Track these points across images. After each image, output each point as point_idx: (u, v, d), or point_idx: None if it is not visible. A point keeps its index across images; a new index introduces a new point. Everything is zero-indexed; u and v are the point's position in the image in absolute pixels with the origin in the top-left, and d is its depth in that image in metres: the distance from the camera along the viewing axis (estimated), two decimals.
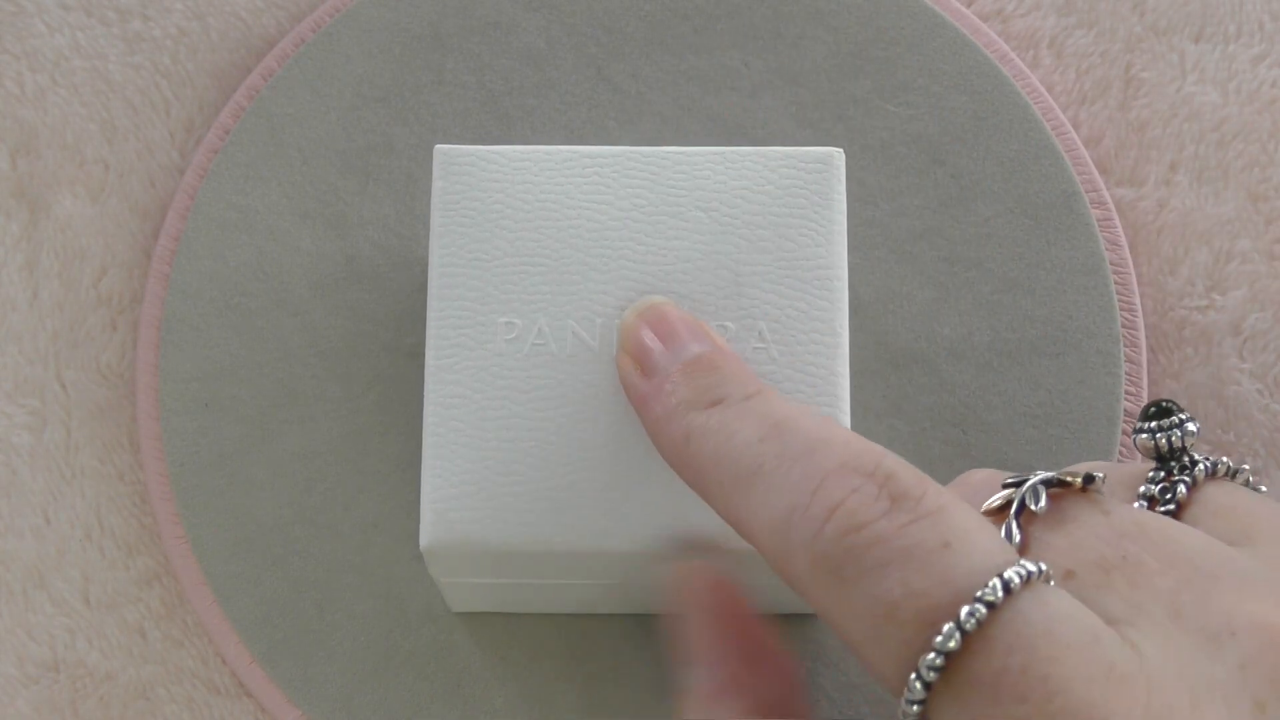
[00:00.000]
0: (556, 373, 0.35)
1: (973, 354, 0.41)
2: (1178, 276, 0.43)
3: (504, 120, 0.43)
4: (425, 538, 0.35)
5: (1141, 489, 0.30)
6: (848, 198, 0.41)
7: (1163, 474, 0.30)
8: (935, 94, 0.43)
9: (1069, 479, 0.29)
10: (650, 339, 0.33)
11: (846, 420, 0.36)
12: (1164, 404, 0.31)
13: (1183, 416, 0.31)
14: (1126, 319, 0.41)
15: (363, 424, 0.41)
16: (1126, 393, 0.41)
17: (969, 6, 0.44)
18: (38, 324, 0.43)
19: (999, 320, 0.41)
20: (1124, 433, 0.41)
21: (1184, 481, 0.30)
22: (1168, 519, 0.28)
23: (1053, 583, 0.27)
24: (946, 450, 0.41)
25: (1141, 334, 0.41)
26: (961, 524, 0.27)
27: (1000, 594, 0.26)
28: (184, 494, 0.41)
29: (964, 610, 0.26)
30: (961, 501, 0.28)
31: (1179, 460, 0.30)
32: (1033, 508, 0.28)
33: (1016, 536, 0.28)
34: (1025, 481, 0.29)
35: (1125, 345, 0.41)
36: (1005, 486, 0.29)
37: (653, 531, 0.35)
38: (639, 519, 0.35)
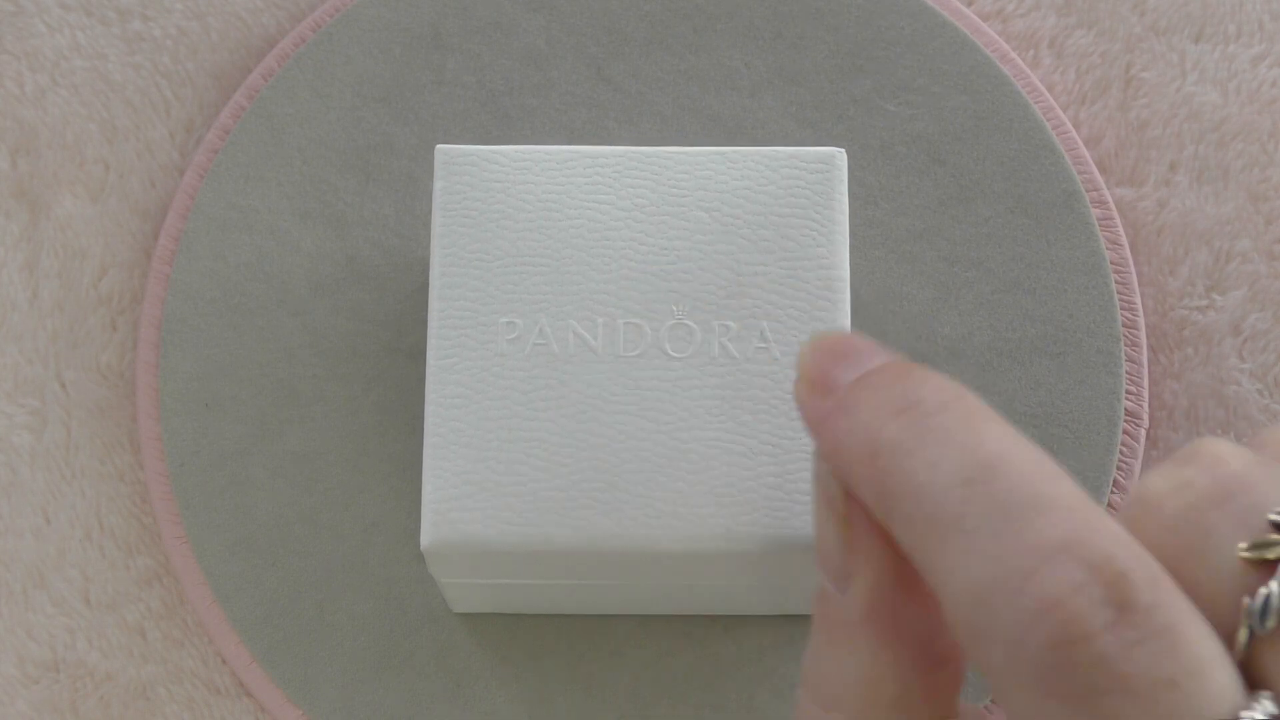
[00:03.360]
0: (557, 373, 0.35)
1: (973, 354, 0.41)
2: (1178, 276, 0.43)
3: (504, 120, 0.43)
4: (426, 538, 0.35)
5: None
6: (848, 198, 0.41)
7: None
8: (935, 94, 0.43)
9: None
10: (828, 359, 0.29)
11: None
12: None
13: None
14: (1127, 319, 0.41)
15: (363, 424, 0.41)
16: (1127, 393, 0.41)
17: (969, 6, 0.44)
18: (38, 324, 0.43)
19: (999, 320, 0.41)
20: (1124, 432, 0.41)
21: None
22: None
23: None
24: None
25: (1142, 334, 0.41)
26: (1194, 654, 0.23)
27: None
28: (184, 494, 0.41)
29: None
30: (1195, 616, 0.23)
31: None
32: None
33: (1275, 611, 0.24)
34: None
35: (1125, 345, 0.41)
36: (1275, 524, 0.24)
37: (654, 532, 0.35)
38: (639, 519, 0.35)
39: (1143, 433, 0.41)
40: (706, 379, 0.36)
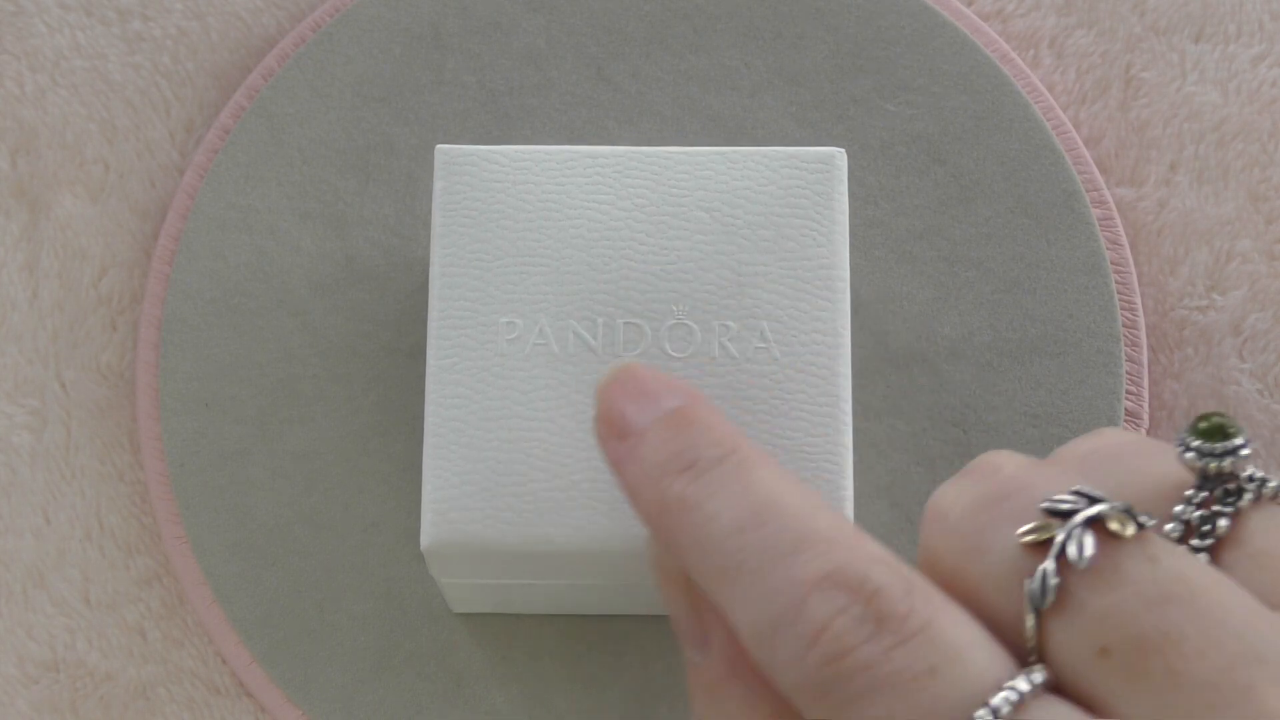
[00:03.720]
0: (558, 373, 0.35)
1: (973, 354, 0.41)
2: (1178, 276, 0.43)
3: (504, 120, 0.43)
4: (426, 538, 0.35)
5: (1178, 509, 0.28)
6: (848, 198, 0.41)
7: (1203, 494, 0.28)
8: (935, 94, 0.43)
9: (1117, 525, 0.26)
10: (622, 400, 0.32)
11: (848, 421, 0.36)
12: (1217, 420, 0.28)
13: (1238, 442, 0.28)
14: (1127, 319, 0.41)
15: (363, 424, 0.41)
16: (1127, 392, 0.41)
17: (969, 6, 0.44)
18: (38, 324, 0.43)
19: (999, 320, 0.41)
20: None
21: (1225, 514, 0.27)
22: (1216, 575, 0.26)
23: (1046, 689, 0.25)
24: (946, 450, 0.41)
25: (1142, 334, 0.41)
26: (950, 643, 0.25)
27: None
28: (184, 494, 0.41)
29: None
30: (952, 610, 0.26)
31: (1223, 484, 0.28)
32: (1075, 561, 0.26)
33: (1053, 588, 0.26)
34: (1071, 514, 0.26)
35: (1126, 345, 0.41)
36: (1047, 511, 0.27)
37: None
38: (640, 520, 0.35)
39: (1143, 433, 0.41)
40: (706, 379, 0.36)
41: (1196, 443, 0.28)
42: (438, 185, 0.37)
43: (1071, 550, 0.26)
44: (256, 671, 0.40)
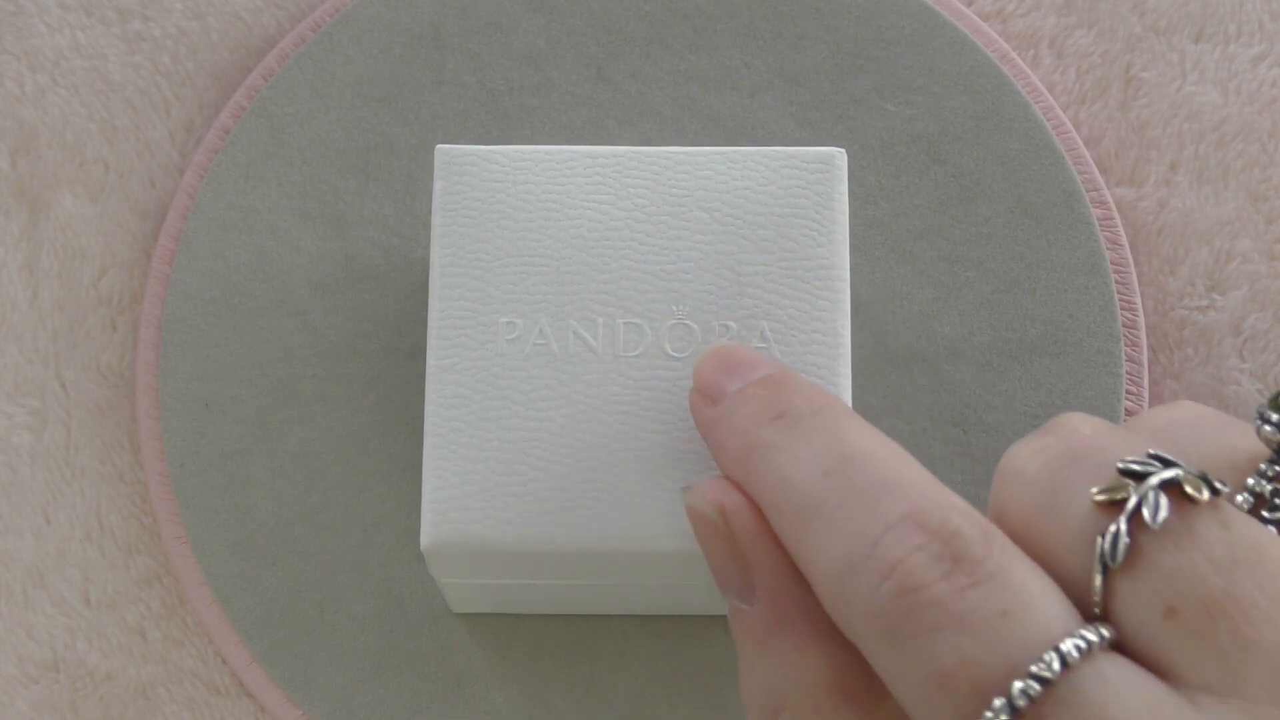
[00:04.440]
0: (558, 373, 0.35)
1: (973, 354, 0.41)
2: (1178, 276, 0.43)
3: (504, 120, 0.43)
4: (426, 538, 0.35)
5: (1251, 482, 0.28)
6: (848, 198, 0.41)
7: (1277, 468, 0.28)
8: (935, 94, 0.43)
9: (1192, 490, 0.26)
10: (718, 371, 0.33)
11: None
12: None
13: None
14: (1127, 319, 0.41)
15: (363, 424, 0.41)
16: (1127, 392, 0.41)
17: (969, 6, 0.44)
18: (38, 324, 0.43)
19: (999, 320, 0.41)
20: None
21: None
22: None
23: (1112, 649, 0.26)
24: (946, 450, 0.41)
25: (1142, 334, 0.41)
26: (1023, 589, 0.26)
27: (1057, 668, 0.25)
28: (184, 494, 0.41)
29: (1016, 686, 0.25)
30: (1026, 561, 0.26)
31: None
32: (1149, 522, 0.26)
33: (1124, 547, 0.26)
34: (1146, 476, 0.27)
35: (1126, 345, 0.41)
36: (1123, 472, 0.27)
37: (654, 532, 0.35)
38: (640, 519, 0.35)
39: None
40: None
41: (1276, 417, 0.28)
42: (438, 185, 0.37)
43: (1146, 511, 0.26)
44: (256, 671, 0.40)
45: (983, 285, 0.42)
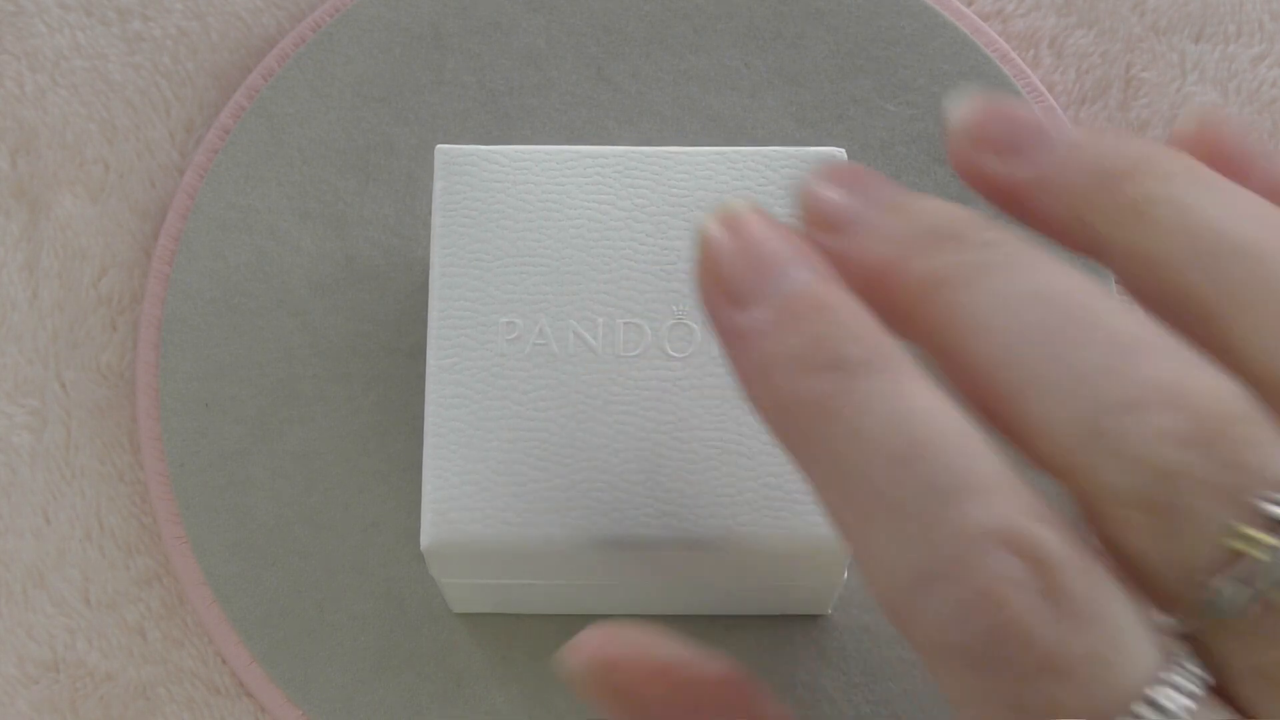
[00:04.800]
0: (558, 373, 0.35)
1: None
2: None
3: (504, 120, 0.43)
4: (426, 538, 0.35)
5: None
6: None
7: None
8: (935, 94, 0.43)
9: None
10: (738, 260, 0.27)
11: None
12: None
13: None
14: None
15: (363, 424, 0.41)
16: None
17: (969, 6, 0.44)
18: (38, 324, 0.43)
19: None
20: None
21: None
22: None
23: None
24: None
25: None
26: (1121, 630, 0.23)
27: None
28: (184, 494, 0.41)
29: None
30: (1120, 592, 0.24)
31: None
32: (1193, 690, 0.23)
33: (1243, 606, 0.23)
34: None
35: None
36: (1266, 516, 0.23)
37: (654, 532, 0.35)
38: (639, 519, 0.35)
39: None
40: (706, 379, 0.36)
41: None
42: (438, 185, 0.37)
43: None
44: (256, 671, 0.40)
45: None
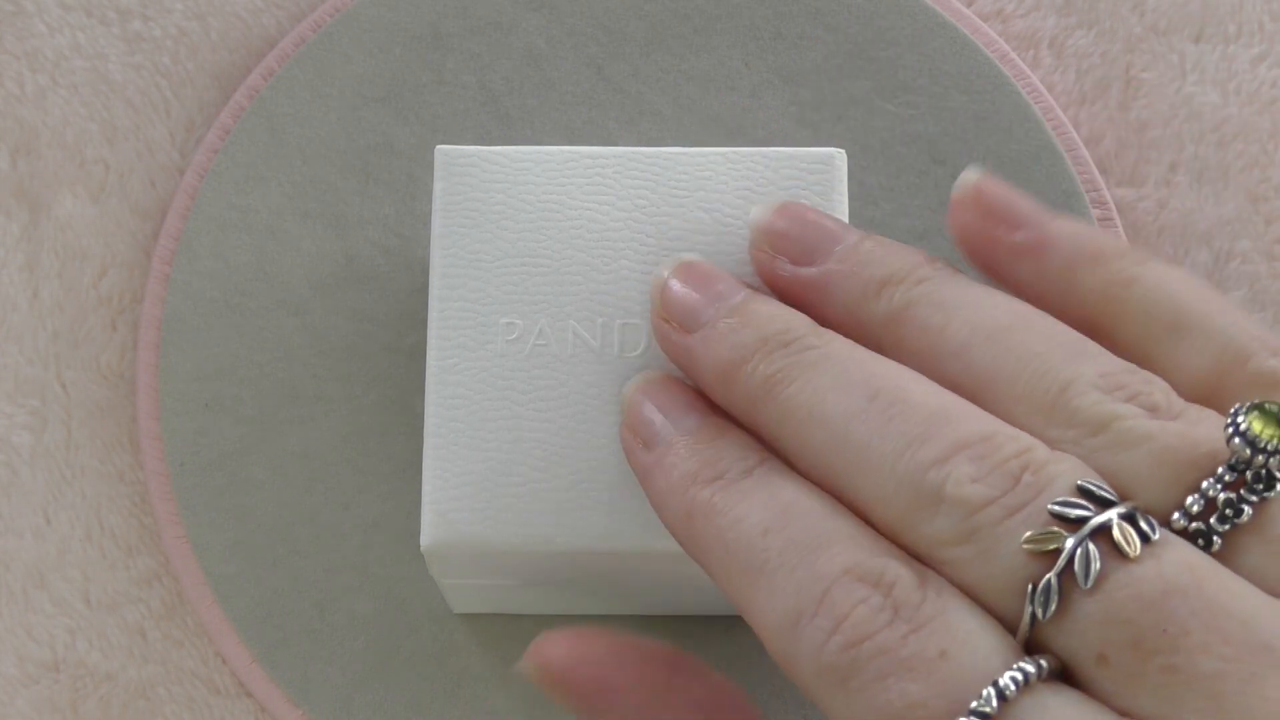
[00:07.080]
0: (558, 373, 0.35)
1: None
2: None
3: (504, 120, 0.43)
4: (426, 538, 0.35)
5: (1205, 484, 0.27)
6: (848, 198, 0.41)
7: (1235, 475, 0.27)
8: (935, 94, 0.43)
9: (1123, 541, 0.26)
10: (651, 411, 0.33)
11: None
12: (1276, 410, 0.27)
13: None
14: None
15: (363, 424, 0.41)
16: None
17: (969, 6, 0.44)
18: (38, 324, 0.43)
19: None
20: None
21: (1251, 501, 0.27)
22: (1223, 571, 0.26)
23: (1052, 680, 0.26)
24: None
25: None
26: (959, 628, 0.27)
27: (995, 703, 0.26)
28: (184, 494, 0.41)
29: None
30: (962, 600, 0.27)
31: (1262, 475, 0.27)
32: (1080, 582, 0.26)
33: (1054, 603, 0.26)
34: (1083, 522, 0.27)
35: None
36: (1053, 515, 0.27)
37: (654, 532, 0.35)
38: (640, 520, 0.35)
39: None
40: None
41: (1246, 426, 0.27)
42: (438, 186, 0.37)
43: (1077, 568, 0.26)
44: (256, 671, 0.40)
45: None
